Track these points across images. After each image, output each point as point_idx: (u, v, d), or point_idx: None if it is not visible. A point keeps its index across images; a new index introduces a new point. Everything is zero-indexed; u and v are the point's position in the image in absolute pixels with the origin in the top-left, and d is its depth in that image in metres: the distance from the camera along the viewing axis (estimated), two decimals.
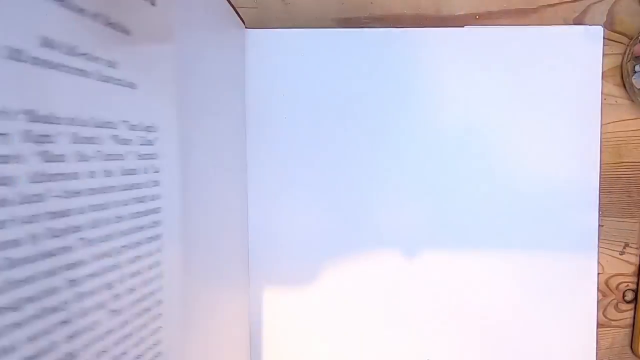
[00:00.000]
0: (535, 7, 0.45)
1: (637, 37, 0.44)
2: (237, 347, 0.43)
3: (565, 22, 0.45)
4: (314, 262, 0.45)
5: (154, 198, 0.27)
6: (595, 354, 0.45)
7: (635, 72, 0.44)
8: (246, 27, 0.43)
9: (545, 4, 0.45)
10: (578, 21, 0.45)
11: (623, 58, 0.45)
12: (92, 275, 0.22)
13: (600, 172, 0.44)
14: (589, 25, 0.44)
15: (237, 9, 0.41)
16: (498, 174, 0.44)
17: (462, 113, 0.44)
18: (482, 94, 0.44)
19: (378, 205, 0.44)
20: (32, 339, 0.18)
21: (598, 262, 0.44)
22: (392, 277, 0.45)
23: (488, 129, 0.44)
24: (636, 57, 0.44)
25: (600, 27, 0.43)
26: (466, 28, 0.44)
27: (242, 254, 0.43)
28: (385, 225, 0.44)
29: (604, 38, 0.43)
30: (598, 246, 0.44)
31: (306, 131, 0.44)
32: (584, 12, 0.45)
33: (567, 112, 0.44)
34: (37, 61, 0.18)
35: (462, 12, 0.45)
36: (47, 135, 0.19)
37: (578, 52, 0.43)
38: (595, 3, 0.45)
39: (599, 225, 0.44)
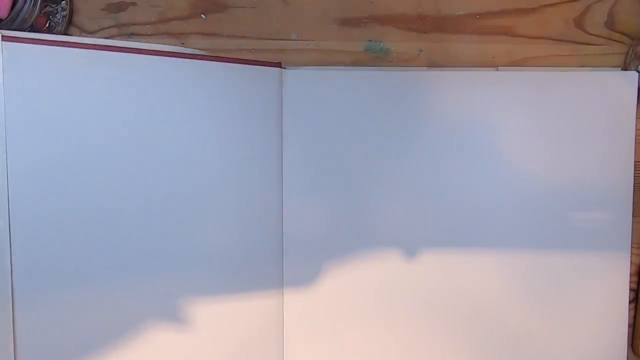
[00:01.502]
0: (535, 6, 0.45)
1: None
2: (270, 342, 0.45)
3: (566, 22, 0.45)
4: (344, 267, 0.46)
5: None
6: (625, 355, 0.45)
7: (638, 72, 0.44)
8: (283, 68, 0.44)
9: (546, 3, 0.45)
10: (578, 21, 0.45)
11: (626, 58, 0.45)
12: None
13: (634, 174, 0.45)
14: (583, 36, 0.45)
15: (231, 9, 0.42)
16: (528, 184, 0.45)
17: (500, 148, 0.45)
18: (519, 133, 0.45)
19: (408, 215, 0.45)
20: None
21: (631, 263, 0.45)
22: (414, 276, 0.45)
23: (521, 148, 0.45)
24: (639, 57, 0.44)
25: (635, 72, 0.44)
26: (500, 70, 0.45)
27: (275, 261, 0.45)
28: (405, 238, 0.45)
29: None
30: (631, 246, 0.45)
31: (341, 168, 0.45)
32: (584, 12, 0.45)
33: (601, 150, 0.45)
34: None
35: (462, 12, 0.45)
36: None
37: (613, 95, 0.44)
38: (595, 3, 0.45)
39: (632, 225, 0.45)
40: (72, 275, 0.38)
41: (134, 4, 0.45)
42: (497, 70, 0.45)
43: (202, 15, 0.45)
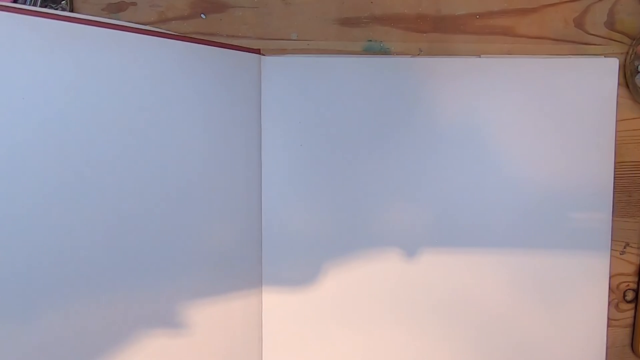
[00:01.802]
0: (535, 6, 0.45)
1: None
2: (249, 343, 0.44)
3: (566, 22, 0.45)
4: (326, 266, 0.45)
5: None
6: (605, 353, 0.45)
7: (638, 71, 0.44)
8: (262, 54, 0.43)
9: (546, 3, 0.45)
10: (578, 21, 0.45)
11: (626, 58, 0.45)
12: None
13: (614, 174, 0.45)
14: (604, 57, 0.45)
15: (232, 9, 0.42)
16: (512, 178, 0.45)
17: (482, 134, 0.44)
18: (501, 119, 0.44)
19: (391, 216, 0.45)
20: None
21: (610, 262, 0.45)
22: (397, 277, 0.45)
23: (504, 138, 0.44)
24: (639, 56, 0.44)
25: (616, 59, 0.44)
26: (483, 57, 0.45)
27: (254, 258, 0.44)
28: (393, 229, 0.45)
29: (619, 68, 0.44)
30: (611, 246, 0.45)
31: (321, 158, 0.44)
32: (584, 11, 0.45)
33: (583, 137, 0.44)
34: None
35: (462, 12, 0.45)
36: None
37: (594, 82, 0.44)
38: (595, 3, 0.45)
39: (612, 225, 0.45)
40: (38, 275, 0.34)
41: (134, 4, 0.45)
42: (480, 57, 0.45)
43: (202, 15, 0.45)
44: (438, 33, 0.45)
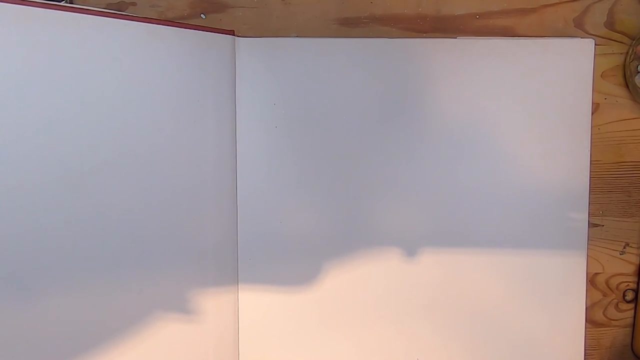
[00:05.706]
0: (535, 6, 0.45)
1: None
2: (224, 346, 0.43)
3: (566, 22, 0.45)
4: (305, 263, 0.45)
5: None
6: (583, 351, 0.45)
7: (638, 72, 0.44)
8: (236, 36, 0.43)
9: (546, 3, 0.45)
10: (578, 21, 0.45)
11: (626, 58, 0.45)
12: None
13: (590, 174, 0.44)
14: (583, 36, 0.45)
15: (232, 9, 0.42)
16: (491, 177, 0.44)
17: (457, 119, 0.44)
18: (477, 101, 0.44)
19: (370, 206, 0.45)
20: None
21: (587, 261, 0.45)
22: (382, 276, 0.45)
23: (482, 134, 0.44)
24: (639, 57, 0.44)
25: (592, 39, 0.44)
26: (459, 39, 0.44)
27: (230, 255, 0.43)
28: (376, 225, 0.45)
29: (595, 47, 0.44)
30: (587, 245, 0.45)
31: (297, 139, 0.44)
32: (584, 12, 0.45)
33: (559, 119, 0.44)
34: None
35: (462, 12, 0.45)
36: None
37: (571, 63, 0.44)
38: (595, 3, 0.45)
39: (589, 224, 0.45)
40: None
41: (134, 4, 0.45)
42: (457, 38, 0.45)
43: (202, 15, 0.45)
44: (438, 33, 0.45)
